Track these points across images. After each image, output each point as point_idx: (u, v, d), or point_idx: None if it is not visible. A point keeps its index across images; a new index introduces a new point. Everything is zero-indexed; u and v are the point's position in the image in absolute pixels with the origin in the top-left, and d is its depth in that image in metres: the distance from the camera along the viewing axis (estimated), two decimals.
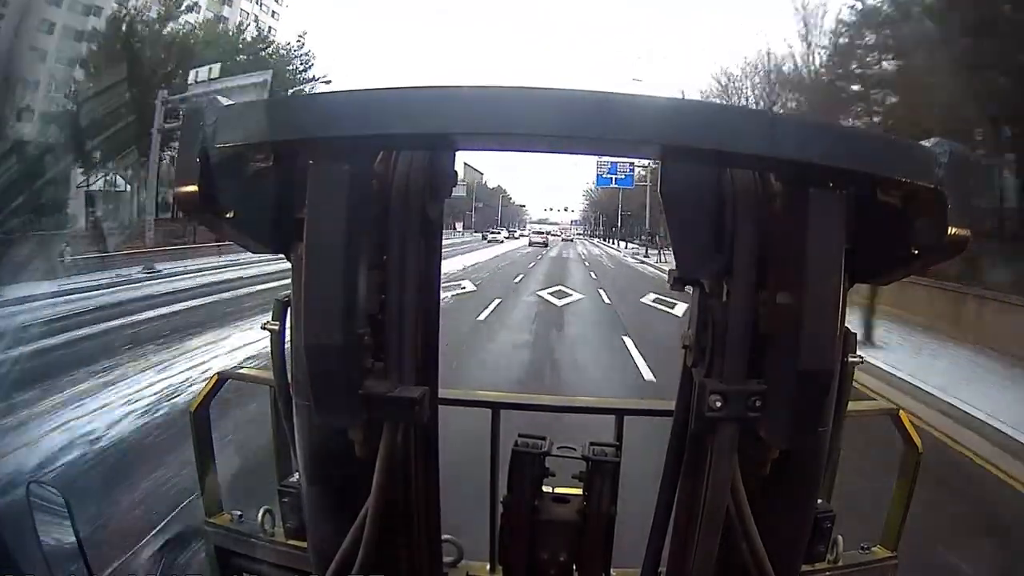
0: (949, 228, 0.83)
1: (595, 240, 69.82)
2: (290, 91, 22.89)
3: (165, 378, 7.32)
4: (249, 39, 26.13)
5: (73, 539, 1.18)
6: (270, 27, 27.87)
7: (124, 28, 21.24)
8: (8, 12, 15.56)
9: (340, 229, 0.89)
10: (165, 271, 17.48)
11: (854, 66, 16.10)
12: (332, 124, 0.83)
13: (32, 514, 1.18)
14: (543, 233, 57.93)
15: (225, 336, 9.62)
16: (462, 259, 27.36)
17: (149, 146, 21.29)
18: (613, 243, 58.73)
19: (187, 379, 7.20)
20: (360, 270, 0.95)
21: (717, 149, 0.82)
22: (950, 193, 0.83)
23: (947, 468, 5.39)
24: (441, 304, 1.16)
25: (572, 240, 64.58)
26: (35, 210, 15.37)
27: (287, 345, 1.09)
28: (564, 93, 0.81)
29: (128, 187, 23.67)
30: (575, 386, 7.94)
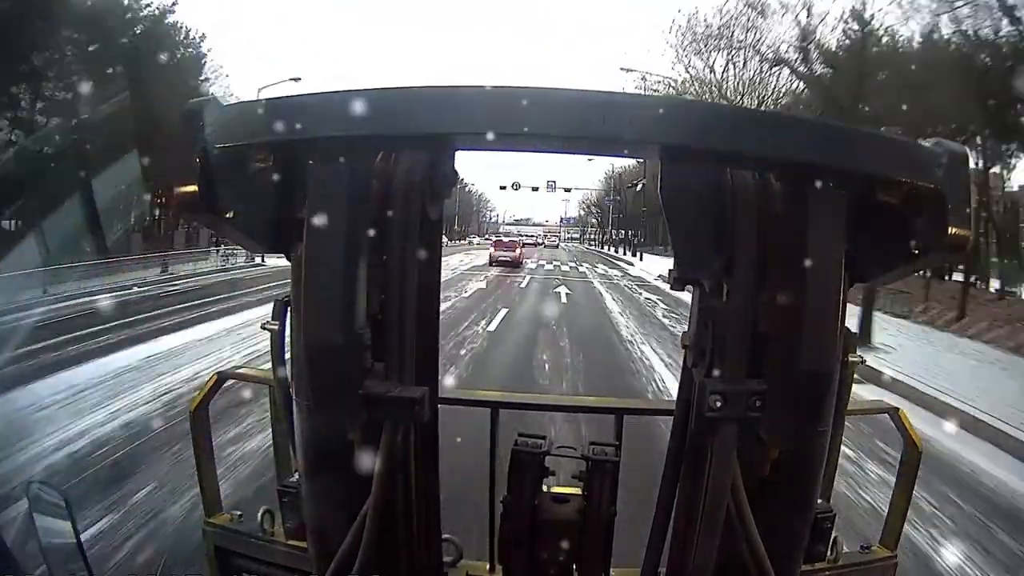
0: (949, 228, 0.83)
1: (626, 264, 33.33)
2: None
3: None
4: None
5: (73, 539, 1.18)
6: None
7: None
8: None
9: (340, 229, 0.89)
10: None
11: None
12: (332, 124, 0.83)
13: (32, 514, 1.18)
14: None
15: None
16: None
17: None
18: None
19: None
20: (360, 270, 0.94)
21: (717, 149, 0.82)
22: (950, 193, 0.83)
23: None
24: None
25: (557, 247, 40.77)
26: None
27: (287, 345, 1.09)
28: (564, 93, 0.81)
29: None
30: None
